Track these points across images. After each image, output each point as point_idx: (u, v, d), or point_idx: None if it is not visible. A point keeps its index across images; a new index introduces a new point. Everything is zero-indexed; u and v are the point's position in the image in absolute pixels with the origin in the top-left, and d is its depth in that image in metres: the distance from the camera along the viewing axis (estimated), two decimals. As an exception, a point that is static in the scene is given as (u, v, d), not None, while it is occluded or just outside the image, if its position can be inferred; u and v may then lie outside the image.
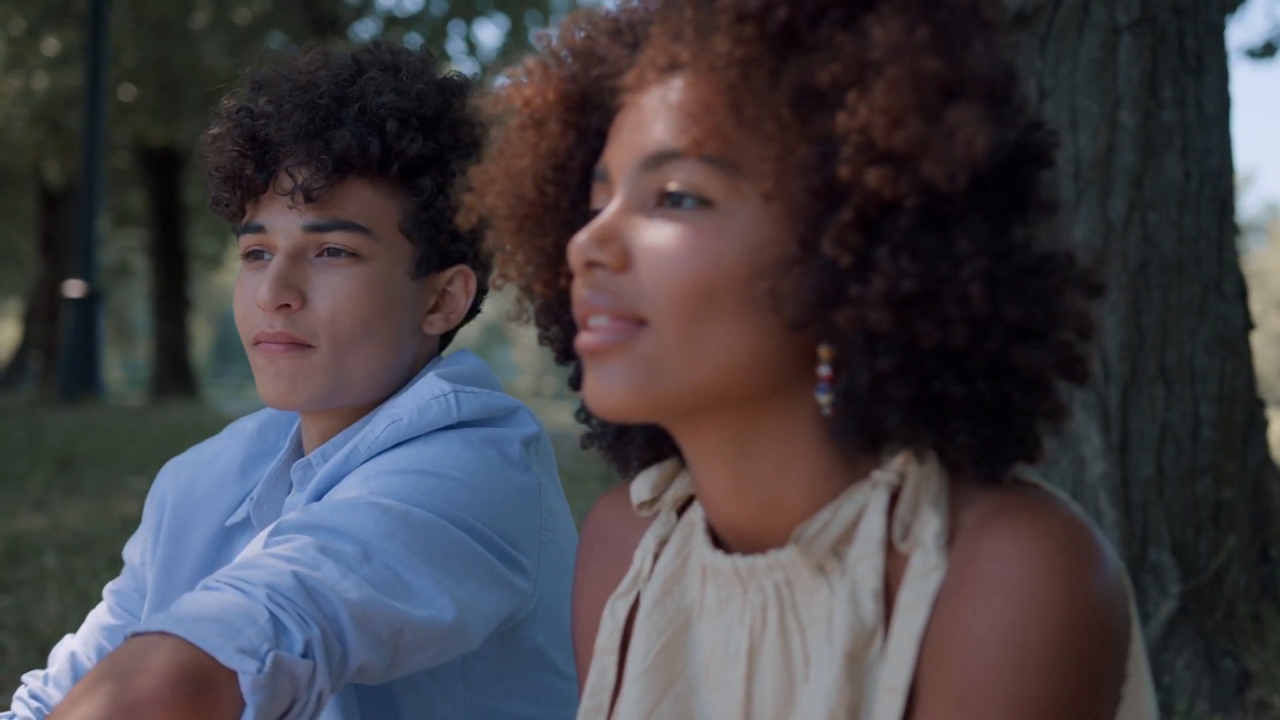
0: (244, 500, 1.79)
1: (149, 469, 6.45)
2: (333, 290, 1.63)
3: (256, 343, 1.66)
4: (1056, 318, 1.03)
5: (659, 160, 1.08)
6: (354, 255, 1.64)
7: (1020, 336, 1.02)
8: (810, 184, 1.03)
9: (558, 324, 1.27)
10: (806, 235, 1.03)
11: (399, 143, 1.63)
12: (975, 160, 0.99)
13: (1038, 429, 1.06)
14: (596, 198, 1.15)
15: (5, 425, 9.06)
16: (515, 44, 17.64)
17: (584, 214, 1.19)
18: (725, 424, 1.11)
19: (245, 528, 1.76)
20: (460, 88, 1.71)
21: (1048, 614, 0.99)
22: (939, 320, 1.00)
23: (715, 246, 1.05)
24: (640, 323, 1.07)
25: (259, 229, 1.67)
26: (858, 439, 1.06)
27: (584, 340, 1.09)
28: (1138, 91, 2.83)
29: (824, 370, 1.06)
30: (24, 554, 4.72)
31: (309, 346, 1.64)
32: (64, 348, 12.10)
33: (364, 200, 1.64)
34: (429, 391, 1.62)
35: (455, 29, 18.37)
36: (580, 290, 1.10)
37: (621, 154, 1.11)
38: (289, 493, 1.73)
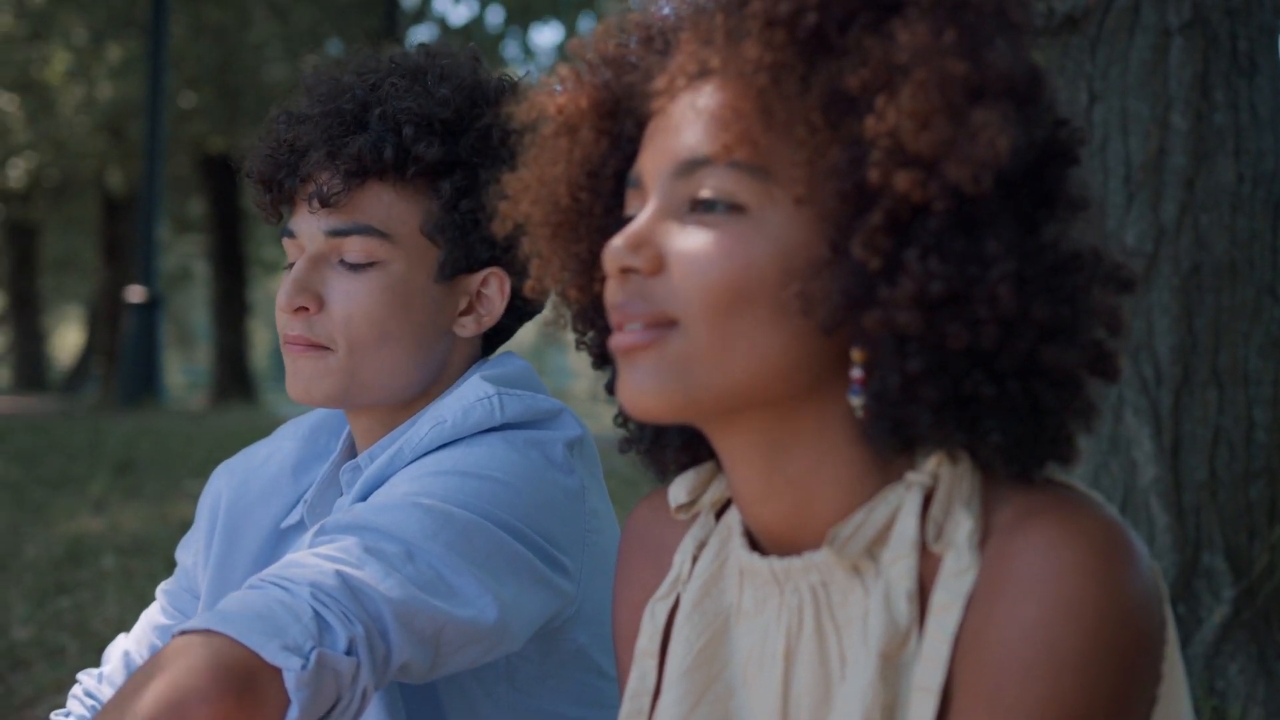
0: (297, 502, 1.81)
1: (207, 473, 6.50)
2: (348, 294, 1.65)
3: (284, 342, 1.70)
4: (1086, 315, 1.04)
5: (691, 167, 1.08)
6: (372, 262, 1.66)
7: (1049, 335, 1.02)
8: (840, 188, 1.03)
9: (593, 329, 1.28)
10: (836, 238, 1.04)
11: (416, 146, 1.64)
12: (999, 161, 1.00)
13: (1069, 428, 1.06)
14: (630, 204, 1.16)
15: (67, 429, 9.19)
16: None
17: (617, 220, 1.20)
18: (757, 425, 1.11)
19: (299, 530, 1.77)
20: (496, 91, 1.71)
21: (1081, 615, 0.98)
22: (968, 321, 1.01)
23: (747, 250, 1.06)
24: (672, 324, 1.08)
25: (291, 234, 1.70)
26: (890, 440, 1.06)
27: (617, 339, 1.11)
28: (1189, 94, 2.81)
29: (856, 373, 1.06)
30: (84, 556, 4.78)
31: (326, 349, 1.66)
32: (125, 352, 12.24)
33: (384, 204, 1.66)
34: (473, 394, 1.64)
35: (511, 35, 18.46)
36: (614, 295, 1.11)
37: (654, 161, 1.12)
38: (340, 495, 1.75)
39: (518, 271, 1.31)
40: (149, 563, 4.62)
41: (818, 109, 1.04)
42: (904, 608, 1.07)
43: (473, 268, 1.70)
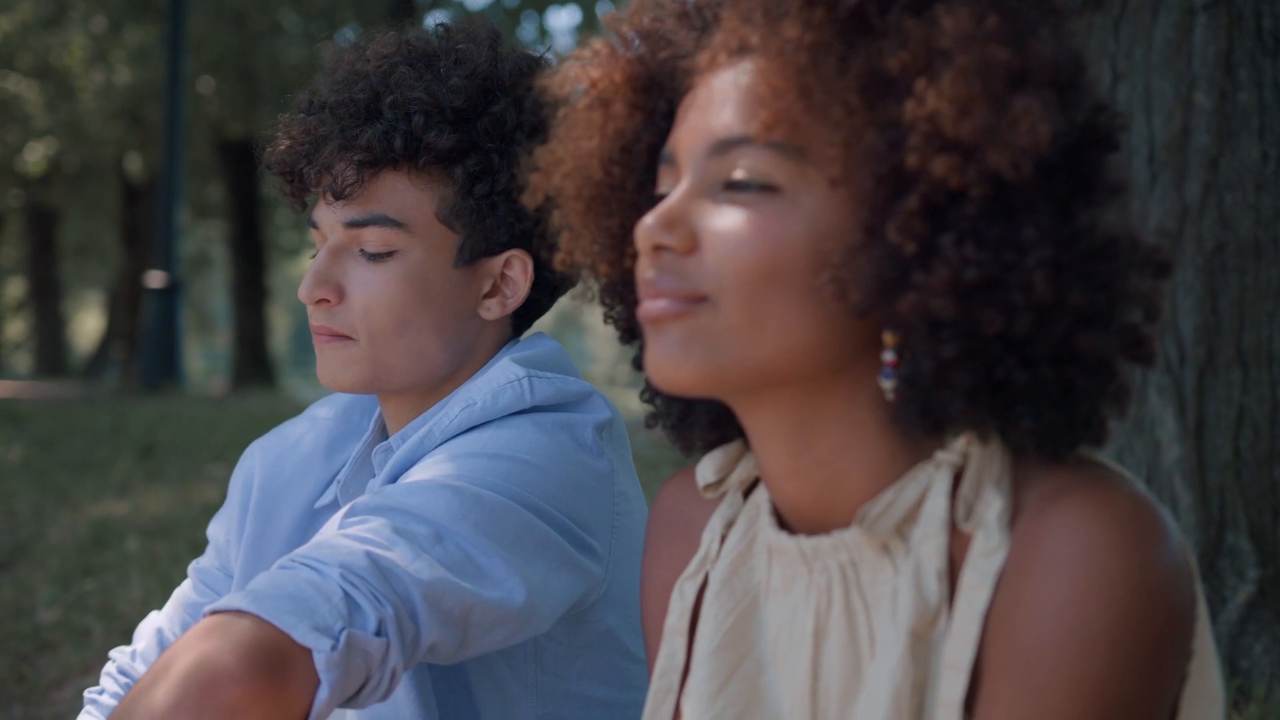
0: (330, 481, 1.82)
1: (228, 456, 6.56)
2: (366, 285, 1.66)
3: (312, 330, 1.72)
4: (1122, 301, 1.03)
5: (726, 146, 1.08)
6: (390, 252, 1.66)
7: (1085, 322, 1.02)
8: (877, 171, 1.03)
9: (622, 303, 1.28)
10: (872, 221, 1.04)
11: (427, 135, 1.64)
12: (1039, 150, 1.00)
13: (1103, 412, 1.06)
14: (663, 180, 1.16)
15: (89, 413, 9.22)
16: (587, 30, 17.63)
17: (649, 195, 1.20)
18: (786, 403, 1.11)
19: (332, 510, 1.78)
20: (512, 75, 1.70)
21: (1111, 592, 0.98)
22: (1003, 308, 1.01)
23: (781, 230, 1.06)
24: (701, 299, 1.08)
25: (315, 224, 1.71)
26: (920, 423, 1.06)
27: (646, 308, 1.10)
28: (1213, 73, 2.80)
29: (888, 356, 1.06)
30: (108, 539, 4.81)
31: (350, 339, 1.68)
32: (145, 338, 12.28)
33: (398, 193, 1.66)
34: (503, 376, 1.64)
35: (528, 18, 18.43)
36: (646, 271, 1.11)
37: (688, 138, 1.12)
38: (373, 476, 1.76)
39: (547, 246, 1.30)
40: (173, 545, 4.64)
41: (856, 90, 1.03)
42: (934, 586, 1.07)
43: (493, 251, 1.70)
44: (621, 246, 1.24)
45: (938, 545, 1.07)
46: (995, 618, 1.04)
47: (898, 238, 1.02)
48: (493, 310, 1.72)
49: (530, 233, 1.68)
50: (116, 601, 3.95)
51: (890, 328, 1.06)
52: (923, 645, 1.07)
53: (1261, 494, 2.77)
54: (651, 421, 1.30)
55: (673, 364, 1.10)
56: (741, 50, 1.10)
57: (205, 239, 25.92)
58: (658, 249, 1.10)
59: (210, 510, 5.08)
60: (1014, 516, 1.05)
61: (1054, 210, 1.03)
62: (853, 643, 1.12)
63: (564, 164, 1.23)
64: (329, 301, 1.67)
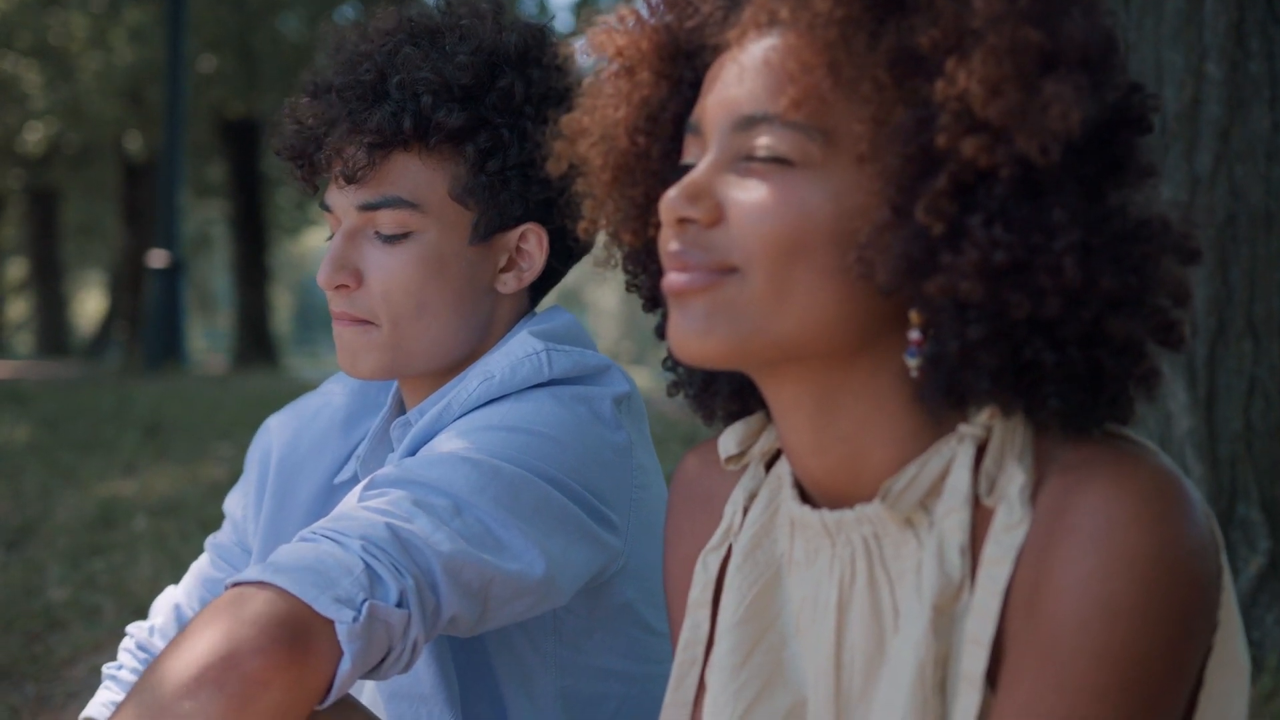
0: (348, 456, 1.82)
1: (234, 435, 6.56)
2: (384, 269, 1.65)
3: (332, 316, 1.71)
4: (1151, 285, 1.03)
5: (751, 121, 1.08)
6: (405, 233, 1.66)
7: (1115, 305, 1.01)
8: (905, 150, 1.03)
9: (645, 272, 1.28)
10: (899, 200, 1.03)
11: (436, 115, 1.63)
12: (1070, 134, 0.99)
13: (1131, 393, 1.06)
14: (688, 150, 1.15)
15: (94, 393, 9.23)
16: (589, 5, 17.56)
17: (674, 165, 1.19)
18: (808, 377, 1.11)
19: (352, 485, 1.78)
20: (518, 49, 1.69)
21: (1136, 565, 0.98)
22: (1031, 291, 1.00)
23: (805, 202, 1.05)
24: (730, 270, 1.08)
25: (327, 208, 1.70)
26: (945, 400, 1.06)
27: (671, 280, 1.10)
28: (1224, 43, 2.79)
29: (914, 334, 1.06)
30: (116, 518, 4.82)
31: (371, 323, 1.67)
32: (148, 318, 12.27)
33: (411, 173, 1.65)
34: (521, 349, 1.64)
35: (529, -6, 18.37)
36: (670, 243, 1.11)
37: (715, 109, 1.11)
38: (391, 451, 1.76)
39: (570, 215, 1.29)
40: (181, 523, 4.65)
41: (885, 67, 1.03)
42: (956, 561, 1.07)
43: (507, 225, 1.69)
44: (645, 216, 1.23)
45: (960, 520, 1.07)
46: (1017, 592, 1.04)
47: (926, 218, 1.02)
48: (509, 284, 1.71)
49: (543, 205, 1.67)
50: (126, 580, 3.95)
51: (916, 307, 1.05)
52: (945, 619, 1.07)
53: (1272, 465, 2.77)
54: (673, 390, 1.30)
55: (696, 337, 1.09)
56: (771, 22, 1.09)
57: (206, 219, 25.89)
58: (682, 221, 1.10)
59: (218, 488, 5.09)
60: (1036, 491, 1.05)
61: (1084, 192, 1.03)
62: (876, 616, 1.12)
63: (589, 132, 1.23)
64: (348, 287, 1.67)
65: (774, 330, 1.08)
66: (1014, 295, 1.00)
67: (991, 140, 1.00)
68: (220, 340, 29.58)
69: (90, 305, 36.00)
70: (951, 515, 1.08)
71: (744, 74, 1.10)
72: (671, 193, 1.09)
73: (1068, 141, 1.00)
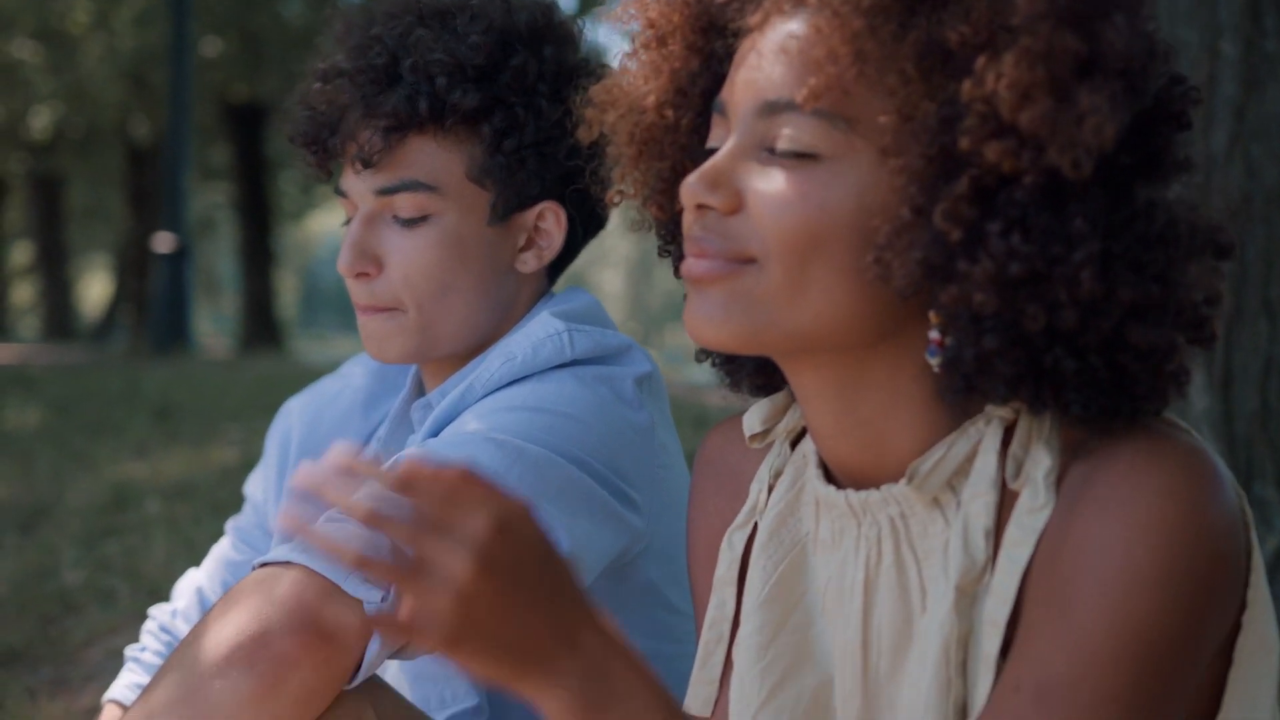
0: (368, 438, 1.83)
1: (244, 417, 6.57)
2: (404, 253, 1.65)
3: (354, 304, 1.71)
4: (1177, 289, 1.01)
5: (773, 108, 1.06)
6: (423, 216, 1.65)
7: (1137, 314, 1.00)
8: (927, 150, 1.01)
9: (674, 242, 1.28)
10: (919, 200, 1.02)
11: (451, 96, 1.63)
12: (1103, 148, 0.97)
13: (1159, 392, 1.04)
14: (715, 130, 1.14)
15: (102, 377, 9.24)
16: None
17: (703, 139, 1.18)
18: (827, 366, 1.11)
19: None
20: (529, 28, 1.69)
21: (1160, 535, 0.97)
22: (1047, 303, 0.99)
23: (824, 195, 1.04)
24: (749, 260, 1.07)
25: (343, 193, 1.70)
26: (966, 398, 1.05)
27: (689, 266, 1.10)
28: (1239, 21, 2.77)
29: (933, 334, 1.05)
30: (128, 501, 4.82)
31: (396, 310, 1.67)
32: (154, 302, 12.27)
33: (427, 156, 1.65)
34: (543, 330, 1.64)
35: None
36: (691, 228, 1.10)
37: (740, 92, 1.10)
38: (412, 433, 1.76)
39: (596, 186, 1.28)
40: (193, 506, 4.65)
41: (912, 59, 1.01)
42: (981, 544, 1.06)
43: (525, 205, 1.69)
44: (672, 190, 1.22)
45: (986, 503, 1.07)
46: (1036, 573, 1.03)
47: (944, 223, 1.00)
48: (529, 263, 1.71)
49: (560, 183, 1.67)
50: (140, 562, 3.96)
51: (935, 309, 1.04)
52: (966, 600, 1.07)
53: (1288, 444, 2.77)
54: (701, 357, 1.30)
55: (711, 324, 1.09)
56: (797, 5, 1.08)
57: (210, 203, 25.86)
58: (701, 207, 1.09)
59: (229, 471, 5.10)
60: (1062, 475, 1.04)
61: (1111, 194, 1.00)
62: (904, 596, 1.12)
63: (618, 103, 1.21)
64: (369, 275, 1.66)
65: (789, 323, 1.07)
66: (1030, 306, 0.99)
67: (1018, 146, 0.98)
68: (225, 324, 29.58)
69: (95, 289, 35.99)
70: (978, 498, 1.07)
71: (769, 56, 1.08)
72: (692, 178, 1.08)
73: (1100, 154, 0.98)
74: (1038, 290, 0.98)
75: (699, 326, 1.10)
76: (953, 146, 0.99)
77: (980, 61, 0.98)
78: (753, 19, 1.10)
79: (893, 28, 1.01)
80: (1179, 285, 1.01)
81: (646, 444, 1.63)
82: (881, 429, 1.11)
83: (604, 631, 1.02)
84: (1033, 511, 1.04)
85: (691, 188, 1.08)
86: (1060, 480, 1.04)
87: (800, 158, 1.05)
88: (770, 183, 1.06)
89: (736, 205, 1.07)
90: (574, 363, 1.63)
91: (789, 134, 1.05)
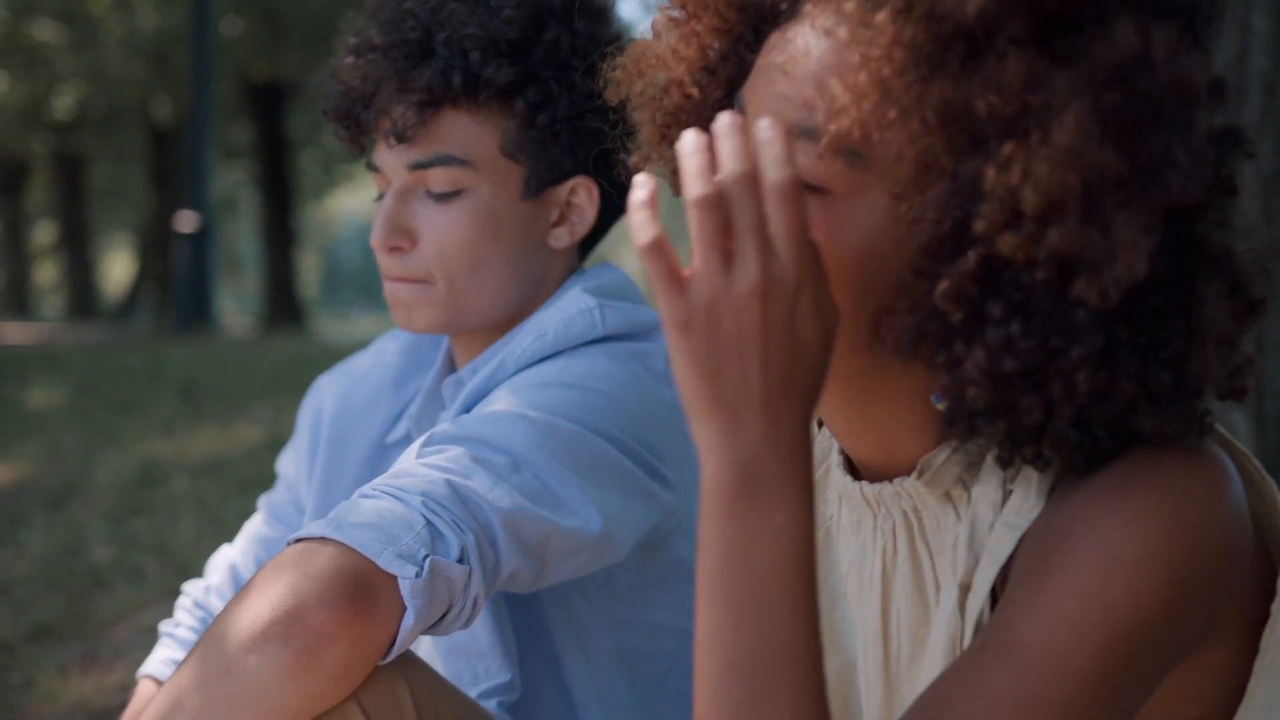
0: (400, 414, 1.83)
1: (269, 395, 6.59)
2: (437, 227, 1.65)
3: (383, 276, 1.71)
4: (1196, 370, 0.96)
5: (791, 133, 1.00)
6: (456, 191, 1.65)
7: (1148, 399, 0.95)
8: (938, 223, 0.95)
9: None
10: (923, 266, 0.97)
11: (485, 70, 1.63)
12: (1134, 283, 0.90)
13: (1178, 435, 0.99)
14: None
15: (127, 356, 9.28)
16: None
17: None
18: (833, 378, 1.06)
19: (404, 444, 1.79)
20: (563, 2, 1.68)
21: (1144, 521, 0.94)
22: (1043, 399, 0.94)
23: (831, 236, 0.99)
24: None
25: (375, 168, 1.70)
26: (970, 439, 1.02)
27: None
28: (1271, -6, 2.76)
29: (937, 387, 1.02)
30: (156, 478, 4.85)
31: (427, 282, 1.67)
32: (177, 281, 12.32)
33: (460, 130, 1.65)
34: (574, 306, 1.64)
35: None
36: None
37: (759, 101, 1.05)
38: (443, 409, 1.76)
39: (625, 147, 1.27)
40: (220, 484, 4.68)
41: (935, 110, 0.93)
42: (986, 541, 1.05)
43: (558, 179, 1.69)
44: None
45: (994, 500, 1.05)
46: (1017, 561, 1.01)
47: (945, 304, 0.95)
48: (561, 239, 1.71)
49: (593, 158, 1.67)
50: (168, 540, 3.99)
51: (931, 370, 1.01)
52: (967, 596, 1.06)
53: (1319, 421, 2.75)
54: None
55: None
56: (828, 32, 1.01)
57: (233, 182, 25.93)
58: None
59: (255, 450, 5.12)
60: (1058, 481, 1.01)
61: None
62: (919, 588, 1.11)
63: (645, 74, 1.18)
64: (402, 249, 1.67)
65: None
66: (1025, 399, 0.95)
67: (1035, 246, 0.90)
68: (248, 303, 29.66)
69: (117, 269, 36.12)
70: (986, 495, 1.06)
71: (793, 68, 1.02)
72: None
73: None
74: (1033, 384, 0.94)
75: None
76: (966, 224, 0.94)
77: (1008, 148, 0.91)
78: (783, 42, 1.05)
79: (922, 70, 0.93)
80: (1199, 362, 0.96)
81: (678, 419, 1.62)
82: (891, 434, 1.10)
83: (806, 443, 0.96)
84: (1020, 512, 1.03)
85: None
86: (1058, 482, 1.02)
87: (812, 191, 0.99)
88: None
89: None
90: (606, 338, 1.63)
91: (804, 163, 0.99)
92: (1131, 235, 0.89)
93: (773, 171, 0.91)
